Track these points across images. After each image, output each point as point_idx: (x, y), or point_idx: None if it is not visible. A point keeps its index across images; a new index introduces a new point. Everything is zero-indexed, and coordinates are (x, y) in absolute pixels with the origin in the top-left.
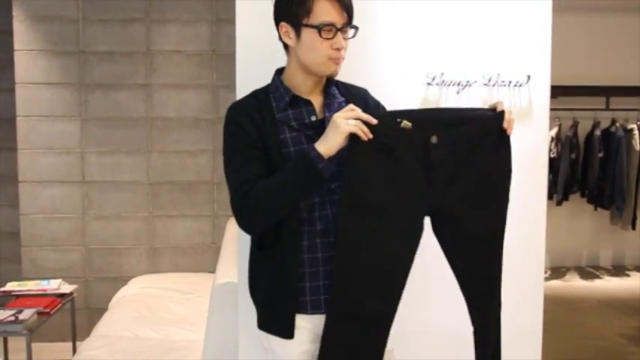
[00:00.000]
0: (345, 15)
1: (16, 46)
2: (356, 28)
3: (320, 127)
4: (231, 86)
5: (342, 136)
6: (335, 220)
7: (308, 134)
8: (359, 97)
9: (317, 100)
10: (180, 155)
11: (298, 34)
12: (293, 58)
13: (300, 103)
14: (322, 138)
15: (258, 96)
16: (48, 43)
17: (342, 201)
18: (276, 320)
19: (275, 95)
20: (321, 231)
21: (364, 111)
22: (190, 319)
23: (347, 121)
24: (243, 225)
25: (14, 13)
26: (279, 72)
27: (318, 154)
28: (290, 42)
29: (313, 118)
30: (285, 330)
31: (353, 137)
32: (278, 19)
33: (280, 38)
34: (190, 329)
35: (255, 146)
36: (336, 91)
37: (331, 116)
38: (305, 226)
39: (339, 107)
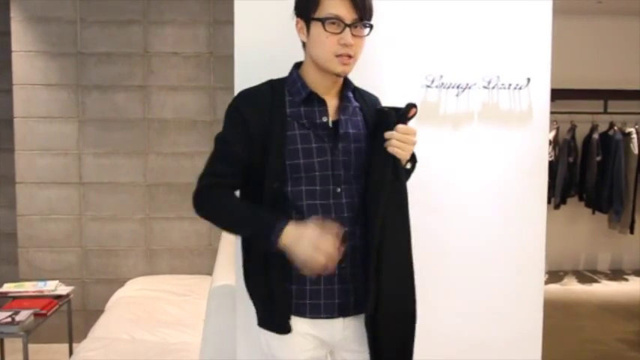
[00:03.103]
0: (356, 11)
1: (14, 47)
2: (370, 26)
3: (330, 129)
4: (229, 88)
5: (308, 258)
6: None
7: (318, 134)
8: (371, 104)
9: (331, 102)
10: (177, 157)
11: (308, 29)
12: (307, 55)
13: (315, 102)
14: (295, 240)
15: (274, 86)
16: (45, 44)
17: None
18: (270, 318)
19: (291, 89)
20: None
21: (374, 120)
22: (187, 321)
23: (319, 252)
24: (194, 206)
25: (12, 14)
26: (297, 66)
27: (277, 243)
28: (303, 38)
29: (324, 120)
30: (278, 327)
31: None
32: (295, 15)
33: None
34: (187, 331)
35: (247, 141)
36: (352, 96)
37: (345, 120)
38: None
39: (354, 112)
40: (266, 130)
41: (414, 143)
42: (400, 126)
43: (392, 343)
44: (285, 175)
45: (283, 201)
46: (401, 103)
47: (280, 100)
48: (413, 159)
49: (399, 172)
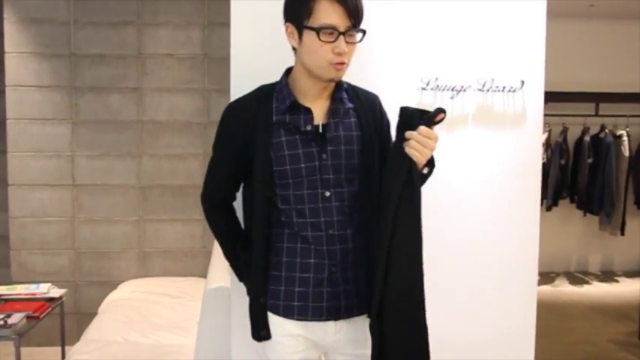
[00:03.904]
0: (350, 18)
1: (7, 48)
2: (363, 32)
3: (317, 133)
4: (223, 90)
5: None
6: (328, 229)
7: (305, 139)
8: (368, 103)
9: (323, 106)
10: (170, 159)
11: (300, 36)
12: (298, 61)
13: (300, 110)
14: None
15: (263, 93)
16: (39, 45)
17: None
18: (251, 321)
19: (278, 96)
20: (314, 237)
21: (370, 121)
22: (181, 323)
23: None
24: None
25: (5, 15)
26: (288, 72)
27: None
28: (294, 44)
29: (309, 127)
30: (253, 332)
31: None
32: (285, 20)
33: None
34: (181, 334)
35: (233, 153)
36: (345, 97)
37: (335, 123)
38: (297, 230)
39: (346, 114)
40: (252, 140)
41: (432, 149)
42: (422, 128)
43: (399, 354)
44: (273, 181)
45: (271, 206)
46: (396, 107)
47: (267, 108)
48: (431, 164)
49: (413, 174)
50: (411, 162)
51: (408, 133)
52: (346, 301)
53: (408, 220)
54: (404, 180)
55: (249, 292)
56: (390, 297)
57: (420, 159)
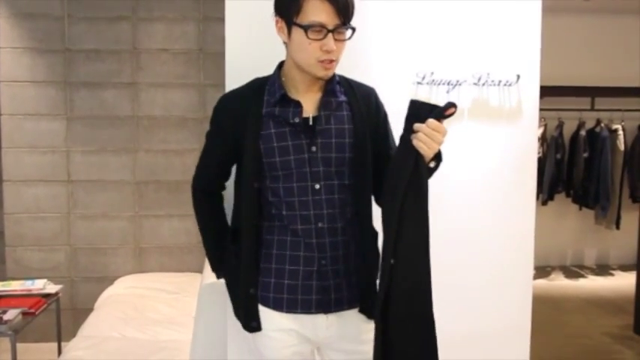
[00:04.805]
0: (339, 16)
1: (1, 43)
2: (352, 29)
3: (308, 126)
4: (218, 85)
5: None
6: (317, 221)
7: (294, 131)
8: (363, 97)
9: (314, 98)
10: (166, 154)
11: (290, 32)
12: (289, 56)
13: (290, 103)
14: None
15: (255, 86)
16: (33, 40)
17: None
18: (241, 311)
19: (270, 89)
20: (303, 230)
21: (364, 114)
22: (177, 319)
23: None
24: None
25: None
26: (282, 64)
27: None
28: (284, 38)
29: (297, 120)
30: (244, 323)
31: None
32: (275, 14)
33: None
34: (177, 329)
35: (222, 143)
36: (338, 89)
37: (326, 115)
38: (287, 223)
39: (339, 107)
40: (242, 132)
41: (440, 142)
42: (431, 121)
43: (406, 349)
44: (263, 173)
45: (262, 198)
46: (392, 101)
47: (259, 100)
48: (438, 158)
49: (420, 167)
50: (418, 155)
51: (417, 126)
52: (336, 295)
53: (415, 212)
54: (411, 172)
55: (227, 284)
56: (397, 292)
57: (427, 152)
